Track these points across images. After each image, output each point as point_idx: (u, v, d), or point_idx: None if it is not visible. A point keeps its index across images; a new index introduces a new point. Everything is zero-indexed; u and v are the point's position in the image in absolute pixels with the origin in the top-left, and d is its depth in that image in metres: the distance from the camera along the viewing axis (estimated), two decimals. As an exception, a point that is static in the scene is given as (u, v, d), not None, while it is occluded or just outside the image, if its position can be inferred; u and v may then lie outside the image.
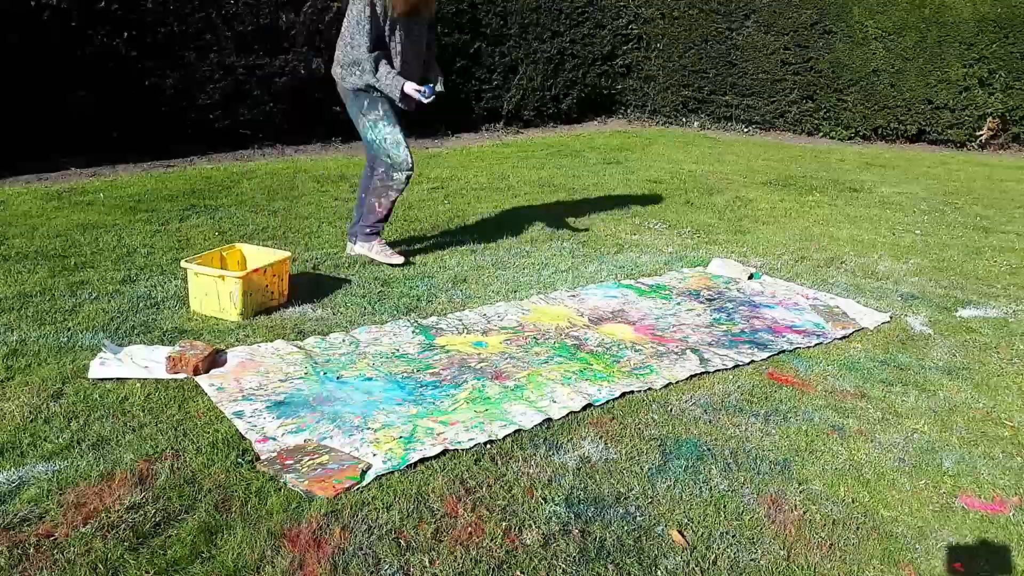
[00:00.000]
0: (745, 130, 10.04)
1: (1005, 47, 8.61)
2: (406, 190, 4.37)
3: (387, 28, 3.97)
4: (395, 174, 4.14)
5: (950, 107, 9.01)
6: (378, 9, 3.90)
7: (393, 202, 4.28)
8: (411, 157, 4.15)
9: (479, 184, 6.37)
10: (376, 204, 4.24)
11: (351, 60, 3.97)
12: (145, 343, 3.16)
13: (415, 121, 8.45)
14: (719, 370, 3.17)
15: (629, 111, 10.73)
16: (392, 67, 4.00)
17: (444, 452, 2.47)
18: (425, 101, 4.03)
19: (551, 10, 9.45)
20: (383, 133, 4.10)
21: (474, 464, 2.43)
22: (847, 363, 3.31)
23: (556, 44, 9.61)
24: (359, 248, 4.34)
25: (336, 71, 4.10)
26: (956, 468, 2.56)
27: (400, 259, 4.27)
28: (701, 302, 3.97)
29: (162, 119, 6.76)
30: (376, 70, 3.95)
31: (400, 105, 4.11)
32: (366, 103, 4.08)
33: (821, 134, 9.75)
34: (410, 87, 3.99)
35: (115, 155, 6.49)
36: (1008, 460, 2.62)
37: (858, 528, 2.23)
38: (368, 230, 4.30)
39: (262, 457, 2.40)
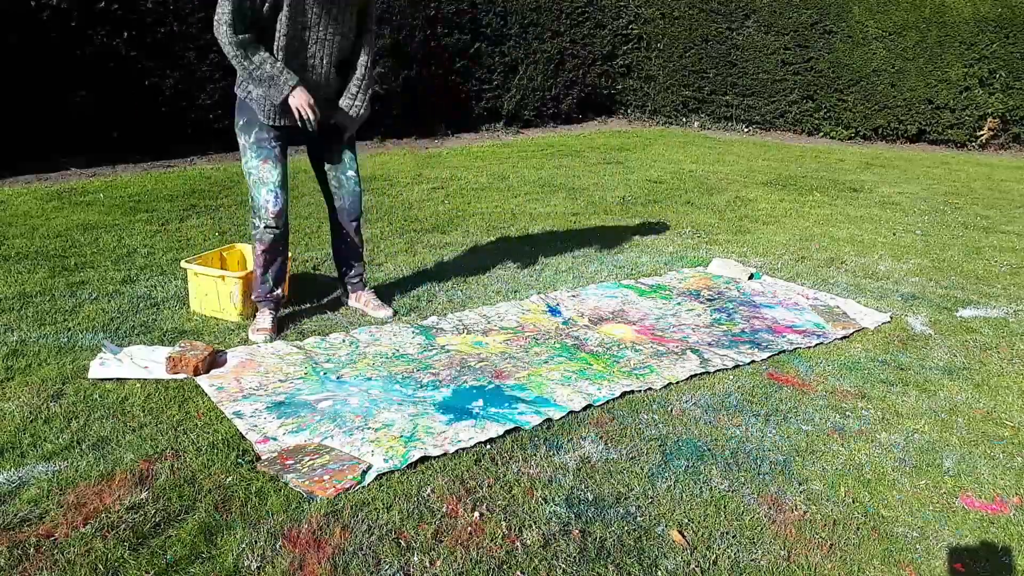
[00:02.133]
0: (745, 130, 10.04)
1: (1005, 47, 8.61)
2: (281, 251, 3.34)
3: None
4: (256, 220, 3.26)
5: (950, 107, 9.01)
6: None
7: (262, 259, 3.29)
8: (273, 206, 3.19)
9: (479, 184, 6.37)
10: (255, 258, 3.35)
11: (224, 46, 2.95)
12: (145, 343, 3.16)
13: (415, 121, 8.49)
14: (719, 370, 3.17)
15: (629, 111, 10.73)
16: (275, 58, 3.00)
17: (444, 452, 2.47)
18: (311, 129, 3.11)
19: (551, 10, 9.45)
20: (250, 166, 3.21)
21: (474, 464, 2.42)
22: (847, 363, 3.30)
23: (556, 44, 9.61)
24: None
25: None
26: (957, 468, 2.55)
27: (261, 339, 3.25)
28: (701, 302, 3.97)
29: (162, 119, 6.76)
30: (249, 56, 2.93)
31: (276, 121, 3.13)
32: (243, 120, 3.20)
33: (821, 134, 9.75)
34: (301, 99, 3.01)
35: (115, 155, 6.49)
36: (1008, 460, 2.62)
37: (858, 528, 2.22)
38: (254, 295, 3.39)
39: (263, 457, 2.40)
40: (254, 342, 3.23)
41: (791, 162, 8.01)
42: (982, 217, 5.98)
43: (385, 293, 3.87)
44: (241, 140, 3.22)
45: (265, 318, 3.32)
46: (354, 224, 3.54)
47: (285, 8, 2.94)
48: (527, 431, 2.63)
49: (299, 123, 3.12)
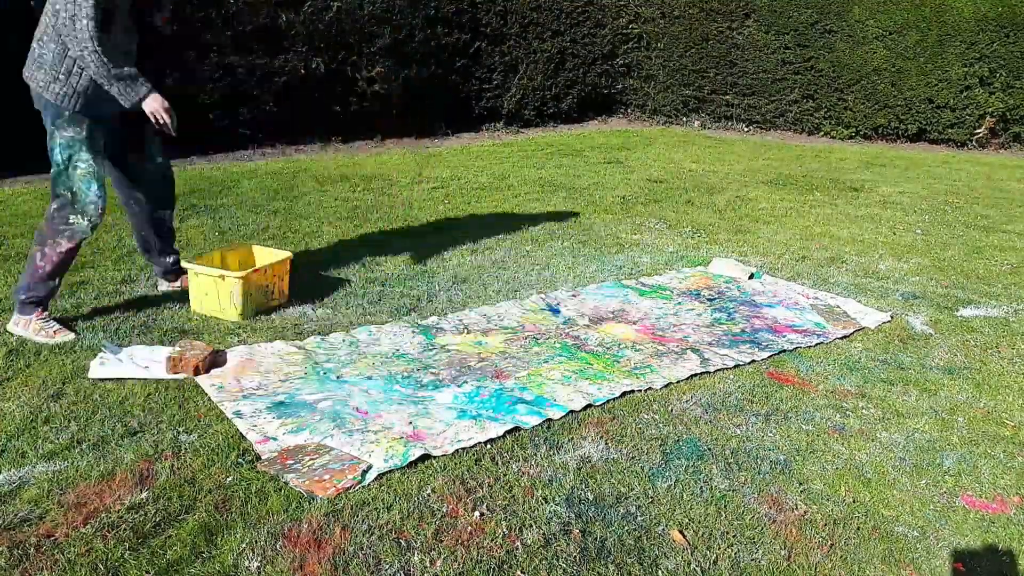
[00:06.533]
0: (746, 129, 10.03)
1: (1006, 46, 8.60)
2: (85, 242, 3.29)
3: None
4: (74, 217, 3.10)
5: (951, 106, 9.00)
6: None
7: (64, 257, 3.14)
8: (103, 201, 3.13)
9: (479, 184, 6.37)
10: (39, 255, 3.12)
11: (74, 53, 2.91)
12: (145, 343, 3.16)
13: (415, 121, 8.50)
14: (719, 370, 3.16)
15: (629, 110, 10.73)
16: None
17: (444, 452, 2.47)
18: (172, 133, 3.18)
19: (551, 9, 9.44)
20: (82, 159, 3.09)
21: (474, 464, 2.42)
22: (848, 363, 3.30)
23: (556, 43, 9.61)
24: (12, 325, 3.16)
25: (35, 75, 3.04)
26: (957, 468, 2.55)
27: (68, 337, 3.13)
28: (702, 302, 3.97)
29: (162, 119, 6.75)
30: (108, 66, 2.89)
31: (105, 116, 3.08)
32: (67, 115, 3.04)
33: (822, 133, 9.74)
34: (157, 103, 3.07)
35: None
36: (1009, 460, 2.62)
37: (859, 528, 2.22)
38: (24, 296, 3.13)
39: (263, 457, 2.40)
40: (61, 343, 3.10)
41: (791, 161, 8.00)
42: (983, 216, 5.97)
43: (385, 292, 3.87)
44: (68, 132, 3.06)
45: (50, 323, 3.16)
46: (171, 212, 3.67)
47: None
48: (527, 431, 2.62)
49: (157, 126, 3.17)
